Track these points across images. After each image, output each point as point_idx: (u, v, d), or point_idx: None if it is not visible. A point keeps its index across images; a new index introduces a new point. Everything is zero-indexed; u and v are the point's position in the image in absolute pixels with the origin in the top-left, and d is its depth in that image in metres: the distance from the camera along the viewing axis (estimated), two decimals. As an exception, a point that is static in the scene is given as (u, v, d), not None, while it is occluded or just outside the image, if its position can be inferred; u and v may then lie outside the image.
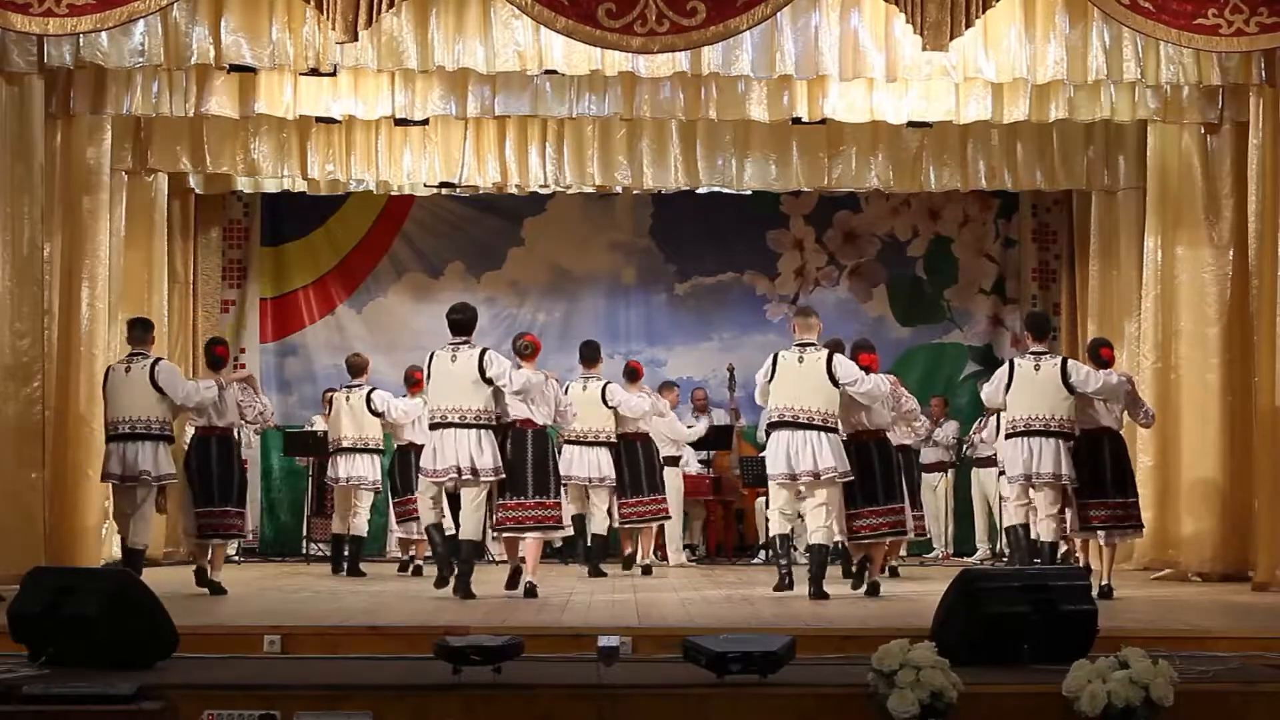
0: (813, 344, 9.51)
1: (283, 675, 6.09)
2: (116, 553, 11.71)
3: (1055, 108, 10.91)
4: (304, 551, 13.27)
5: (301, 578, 11.50)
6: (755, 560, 12.19)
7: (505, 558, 12.75)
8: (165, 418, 9.84)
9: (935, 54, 9.28)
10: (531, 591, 9.37)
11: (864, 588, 9.60)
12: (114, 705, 5.34)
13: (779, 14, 9.42)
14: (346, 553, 11.85)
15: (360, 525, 11.97)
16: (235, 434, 10.32)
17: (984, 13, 9.12)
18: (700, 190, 13.35)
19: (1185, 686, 5.59)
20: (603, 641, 6.00)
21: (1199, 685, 5.75)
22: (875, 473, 9.59)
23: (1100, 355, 10.02)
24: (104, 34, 9.69)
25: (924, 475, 14.00)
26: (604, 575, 11.44)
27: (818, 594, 9.24)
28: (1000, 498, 10.93)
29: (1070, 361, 9.85)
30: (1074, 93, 10.84)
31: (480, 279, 14.83)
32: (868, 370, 9.56)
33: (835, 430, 9.39)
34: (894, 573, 11.52)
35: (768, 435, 9.65)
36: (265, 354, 14.68)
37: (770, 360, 9.60)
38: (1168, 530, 11.49)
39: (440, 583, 10.15)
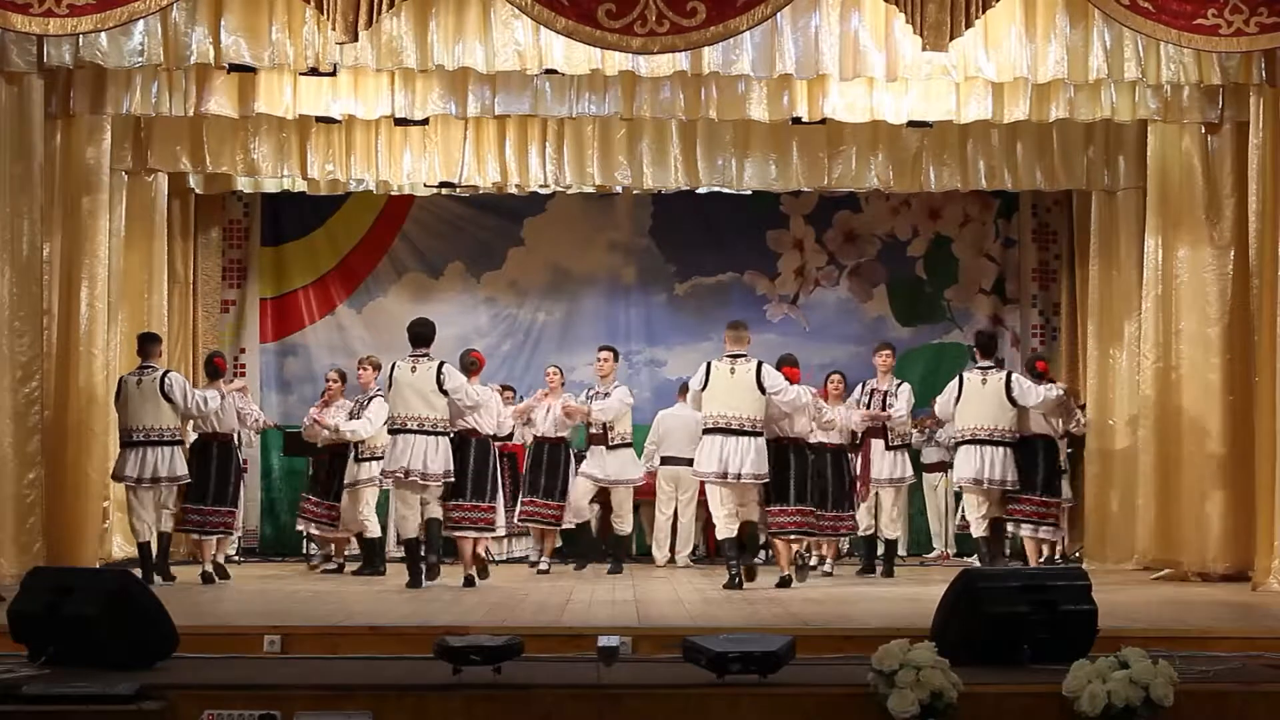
0: (743, 355, 10.30)
1: (283, 675, 6.09)
2: (116, 553, 11.78)
3: (1055, 108, 10.90)
4: (304, 551, 13.26)
5: (302, 578, 11.50)
6: (755, 560, 12.16)
7: (504, 557, 12.89)
8: (176, 425, 10.67)
9: (935, 54, 9.29)
10: (470, 582, 10.25)
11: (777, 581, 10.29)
12: (114, 705, 5.34)
13: (779, 14, 9.42)
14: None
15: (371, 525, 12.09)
16: (235, 439, 11.28)
17: (984, 13, 9.13)
18: (700, 190, 13.34)
19: (1185, 686, 5.60)
20: (603, 641, 6.01)
21: (1199, 685, 5.75)
22: (791, 475, 10.32)
23: (1036, 369, 11.37)
24: (104, 34, 9.69)
25: (925, 475, 14.01)
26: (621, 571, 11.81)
27: (738, 583, 10.05)
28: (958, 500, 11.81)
29: (1014, 376, 11.05)
30: (1074, 93, 10.83)
31: (480, 279, 14.82)
32: (790, 382, 10.33)
33: (761, 435, 10.19)
34: (827, 573, 11.55)
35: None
36: (265, 354, 14.67)
37: (704, 369, 10.40)
38: (1168, 530, 11.48)
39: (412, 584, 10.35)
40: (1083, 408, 12.80)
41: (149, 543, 10.68)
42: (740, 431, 10.15)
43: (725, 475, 10.15)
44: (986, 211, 14.88)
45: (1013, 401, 10.87)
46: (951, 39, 9.07)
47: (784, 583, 10.24)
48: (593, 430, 12.07)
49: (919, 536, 14.04)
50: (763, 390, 10.15)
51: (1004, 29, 9.86)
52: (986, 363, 11.09)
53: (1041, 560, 11.45)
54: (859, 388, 11.76)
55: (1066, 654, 5.85)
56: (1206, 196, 11.29)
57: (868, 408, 11.57)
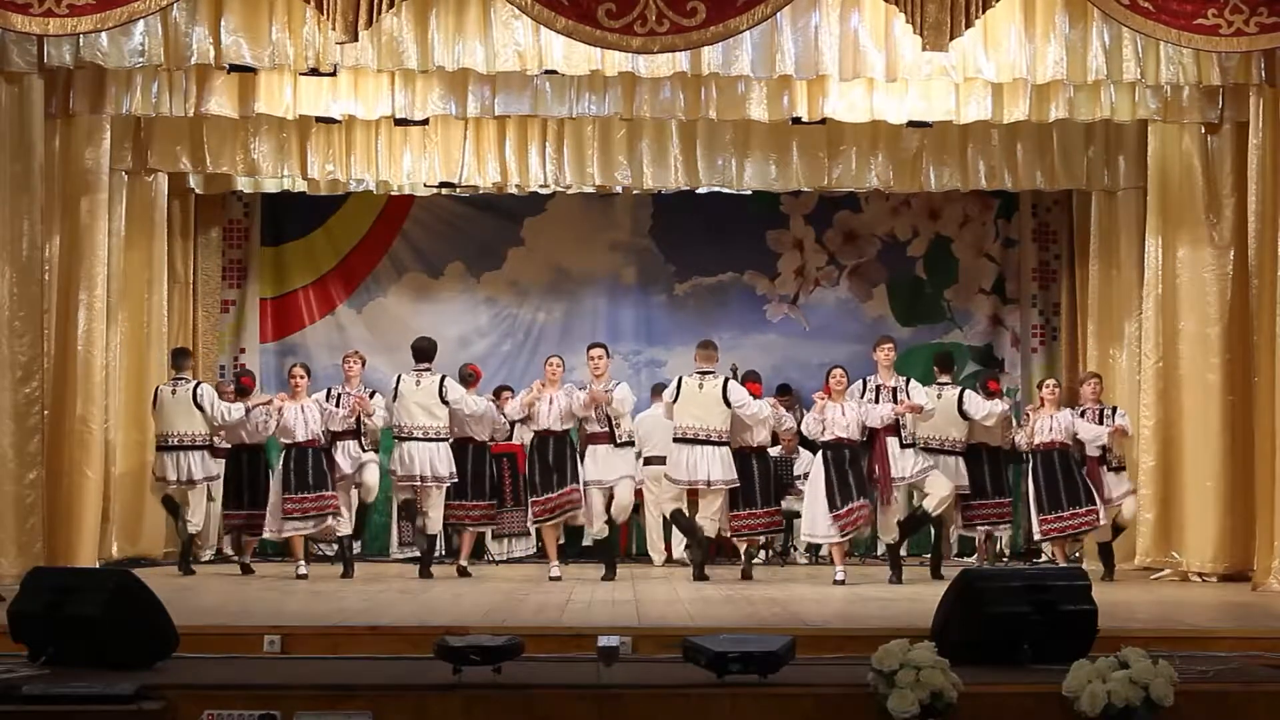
0: (711, 372, 11.23)
1: (283, 675, 6.10)
2: (116, 553, 11.81)
3: (1055, 108, 10.91)
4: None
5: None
6: (755, 560, 12.19)
7: (504, 558, 12.86)
8: (206, 431, 11.82)
9: (935, 54, 9.30)
10: (464, 572, 11.37)
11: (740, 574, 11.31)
12: (114, 705, 5.35)
13: (779, 14, 9.44)
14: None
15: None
16: (264, 446, 12.06)
17: (984, 13, 9.14)
18: (700, 190, 13.34)
19: (1185, 686, 5.60)
20: (603, 641, 6.01)
21: (1199, 685, 5.76)
22: (755, 480, 11.22)
23: (988, 387, 12.07)
24: (104, 34, 9.69)
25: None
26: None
27: (699, 576, 11.02)
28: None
29: (966, 392, 11.62)
30: (1074, 93, 10.84)
31: (480, 279, 14.81)
32: (753, 396, 11.26)
33: (727, 444, 11.09)
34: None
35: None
36: (265, 354, 14.65)
37: (675, 384, 11.33)
38: (1168, 530, 11.50)
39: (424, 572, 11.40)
40: (1083, 412, 12.60)
41: (193, 535, 11.92)
42: (707, 441, 11.07)
43: (695, 482, 11.11)
44: (986, 211, 14.88)
45: (963, 414, 11.42)
46: (951, 39, 9.08)
47: (746, 574, 11.27)
48: (597, 428, 11.37)
49: (919, 536, 14.01)
50: (728, 404, 11.02)
51: (1004, 29, 9.87)
52: (944, 379, 11.75)
53: (988, 555, 12.29)
54: (860, 384, 11.48)
55: (1066, 654, 5.85)
56: (1206, 196, 11.30)
57: (876, 404, 11.19)
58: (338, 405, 11.58)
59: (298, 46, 9.87)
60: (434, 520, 11.52)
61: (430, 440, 11.33)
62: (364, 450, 11.72)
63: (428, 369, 11.46)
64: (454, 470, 11.36)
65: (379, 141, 12.27)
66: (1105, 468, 11.71)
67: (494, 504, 11.78)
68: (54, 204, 10.83)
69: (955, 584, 6.53)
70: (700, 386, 11.12)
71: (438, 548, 12.52)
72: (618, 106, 11.09)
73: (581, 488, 11.20)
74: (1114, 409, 11.76)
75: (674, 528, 12.27)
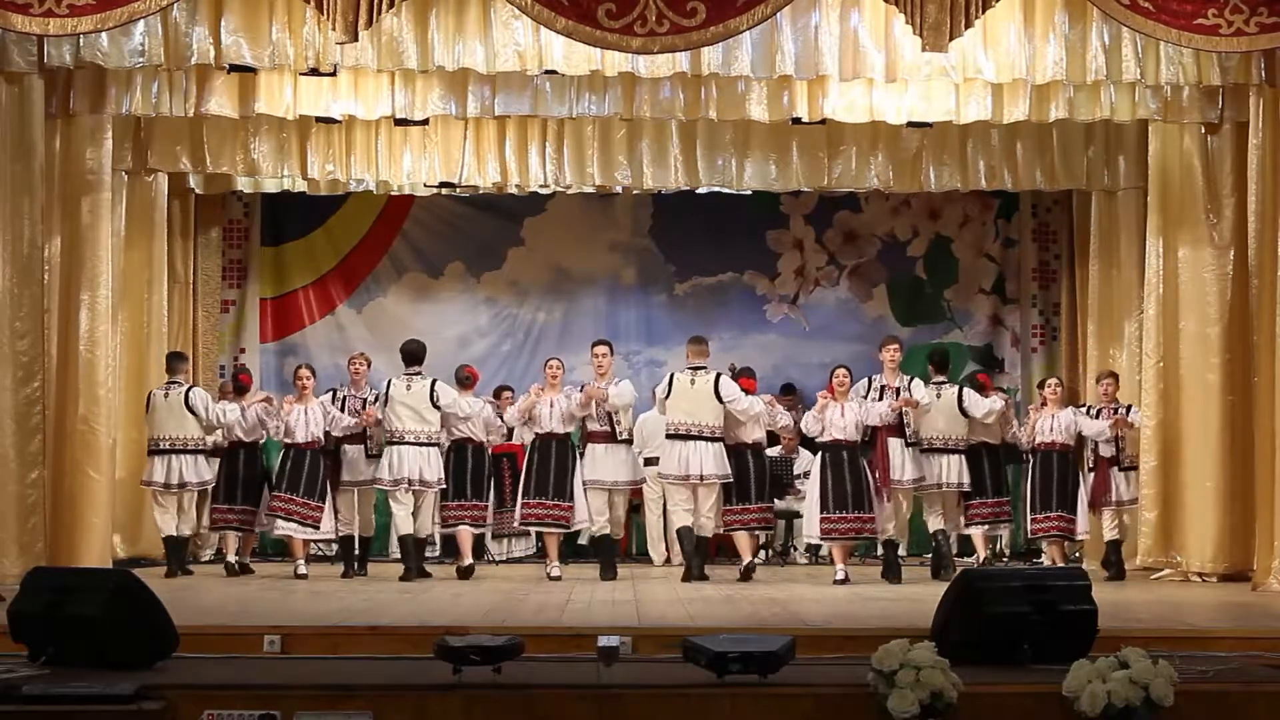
0: (703, 367, 11.20)
1: (283, 675, 6.10)
2: (119, 553, 11.81)
3: (1055, 108, 10.91)
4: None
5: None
6: (755, 560, 12.19)
7: (504, 558, 12.87)
8: (199, 435, 11.77)
9: (935, 54, 9.30)
10: (464, 572, 11.18)
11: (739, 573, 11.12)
12: (114, 705, 5.35)
13: (779, 14, 9.44)
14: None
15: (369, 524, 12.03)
16: (260, 445, 12.05)
17: (984, 13, 9.14)
18: (700, 190, 13.34)
19: (1185, 686, 5.60)
20: (603, 641, 6.01)
21: (1199, 685, 5.76)
22: (750, 476, 11.18)
23: (978, 381, 12.17)
24: (104, 34, 9.70)
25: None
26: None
27: (699, 575, 10.92)
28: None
29: (965, 390, 11.64)
30: (1074, 93, 10.84)
31: (480, 279, 14.82)
32: (747, 393, 11.26)
33: (720, 440, 11.05)
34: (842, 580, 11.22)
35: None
36: (265, 354, 14.66)
37: (667, 380, 11.31)
38: (1169, 530, 11.49)
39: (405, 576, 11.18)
40: (1088, 409, 12.54)
41: (173, 535, 11.73)
42: (700, 437, 11.01)
43: (688, 477, 11.03)
44: (986, 211, 14.89)
45: (964, 412, 11.44)
46: (951, 39, 9.08)
47: (747, 572, 11.00)
48: (598, 426, 11.29)
49: (919, 536, 14.02)
50: (720, 399, 10.97)
51: (1003, 29, 9.87)
52: (940, 378, 11.68)
53: (988, 553, 12.23)
54: (864, 384, 11.40)
55: (1066, 654, 5.85)
56: (1206, 196, 11.30)
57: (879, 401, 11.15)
58: (343, 409, 11.58)
59: (298, 46, 9.87)
60: (423, 524, 11.48)
61: (422, 445, 11.22)
62: (369, 457, 11.66)
63: (418, 373, 11.38)
64: (443, 475, 11.29)
65: (379, 141, 12.27)
66: (1117, 468, 11.68)
67: (489, 505, 11.62)
68: (54, 204, 10.84)
69: (955, 584, 6.53)
70: (692, 382, 11.09)
71: (436, 549, 12.57)
72: (618, 106, 11.09)
73: (575, 505, 11.15)
74: (1129, 407, 11.72)
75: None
